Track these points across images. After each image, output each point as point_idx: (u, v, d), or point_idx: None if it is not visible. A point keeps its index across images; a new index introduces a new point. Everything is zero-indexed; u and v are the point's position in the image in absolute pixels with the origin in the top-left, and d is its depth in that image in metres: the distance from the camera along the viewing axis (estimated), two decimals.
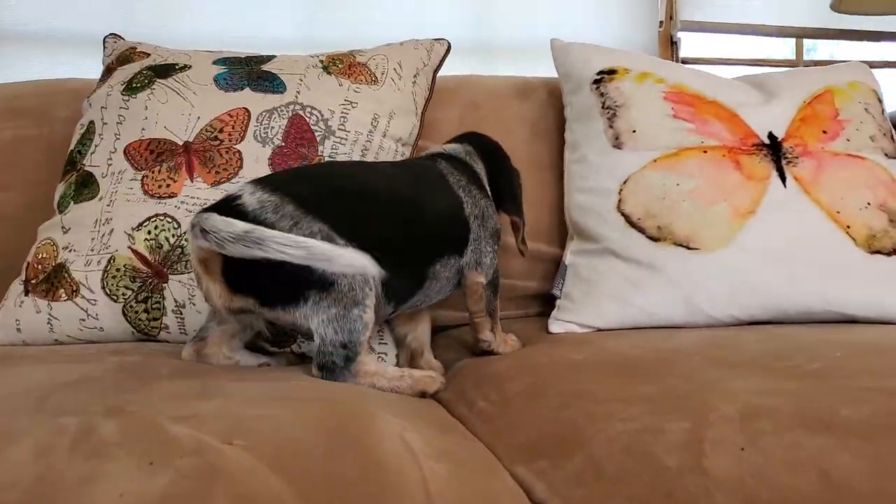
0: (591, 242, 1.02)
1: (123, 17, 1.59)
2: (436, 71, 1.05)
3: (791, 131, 1.02)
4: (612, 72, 1.10)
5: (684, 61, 1.77)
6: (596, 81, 1.10)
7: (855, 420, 0.50)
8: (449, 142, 0.97)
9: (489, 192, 0.90)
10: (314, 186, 0.73)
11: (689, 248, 0.94)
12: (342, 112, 0.96)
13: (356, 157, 0.95)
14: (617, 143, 1.04)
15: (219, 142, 0.95)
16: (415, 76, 1.01)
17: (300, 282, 0.67)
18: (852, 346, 0.74)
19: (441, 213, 0.81)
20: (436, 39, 1.05)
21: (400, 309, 0.80)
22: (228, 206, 0.69)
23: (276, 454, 0.46)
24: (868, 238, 0.94)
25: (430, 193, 0.82)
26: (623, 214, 1.00)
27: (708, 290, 0.92)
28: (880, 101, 1.10)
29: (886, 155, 1.02)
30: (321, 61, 1.01)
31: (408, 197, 0.79)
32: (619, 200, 1.01)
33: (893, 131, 1.07)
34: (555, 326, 0.97)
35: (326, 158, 0.94)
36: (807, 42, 1.90)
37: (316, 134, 0.95)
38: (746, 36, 1.82)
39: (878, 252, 0.93)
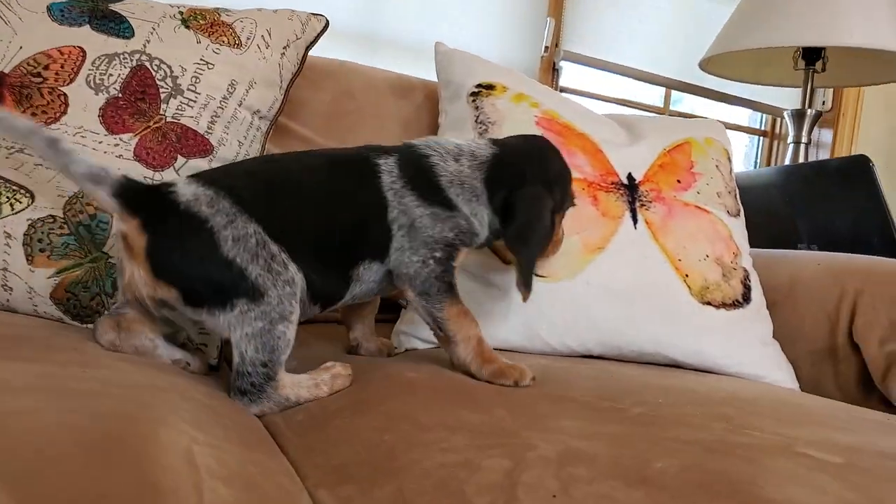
0: None
1: None
2: (309, 47, 0.97)
3: (649, 175, 1.05)
4: (490, 87, 1.08)
5: (563, 89, 1.81)
6: (473, 94, 1.08)
7: (668, 474, 0.50)
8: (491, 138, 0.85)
9: (451, 200, 0.77)
10: (249, 183, 0.70)
11: (536, 275, 0.93)
12: (195, 71, 0.86)
13: (203, 122, 0.85)
14: None
15: (41, 79, 0.82)
16: (284, 48, 0.93)
17: (230, 286, 0.64)
18: (675, 392, 0.76)
19: (358, 217, 0.74)
20: (314, 14, 0.98)
21: (327, 309, 0.75)
22: (159, 192, 0.66)
23: (15, 462, 0.37)
24: (702, 289, 0.98)
25: (352, 194, 0.74)
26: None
27: (549, 319, 0.92)
28: (729, 160, 1.17)
29: (728, 212, 1.08)
30: (181, 13, 0.91)
31: (331, 197, 0.73)
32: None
33: (737, 191, 1.14)
34: (397, 339, 0.92)
35: (169, 119, 0.84)
36: (675, 93, 2.01)
37: (161, 91, 0.84)
38: (622, 77, 1.89)
39: (709, 304, 0.98)
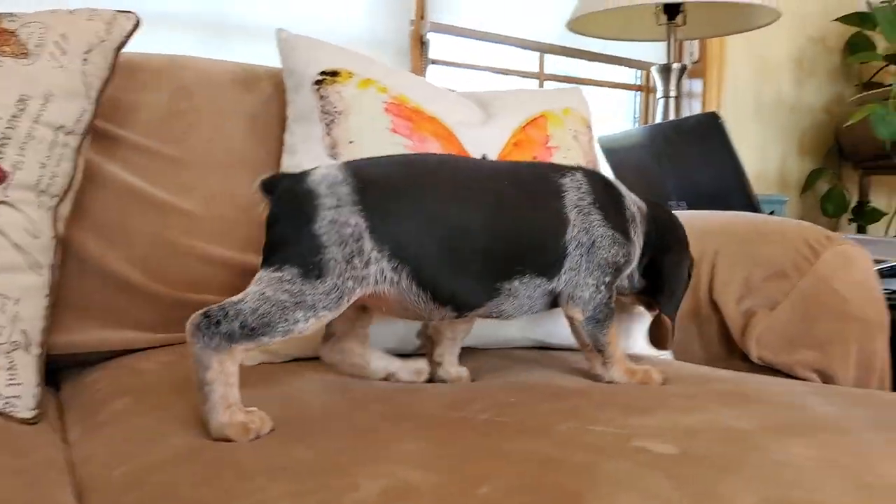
0: None
1: None
2: (119, 48, 0.88)
3: (504, 155, 1.02)
4: (335, 74, 1.02)
5: (434, 62, 1.76)
6: (318, 82, 1.02)
7: (491, 501, 0.47)
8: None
9: (629, 231, 0.79)
10: (386, 175, 0.70)
11: None
12: None
13: None
14: (333, 153, 0.97)
15: None
16: (87, 52, 0.83)
17: (295, 251, 0.65)
18: (529, 387, 0.75)
19: (529, 230, 0.73)
20: (120, 11, 0.89)
21: (465, 315, 0.75)
22: (303, 173, 0.69)
23: None
24: None
25: (522, 206, 0.73)
26: None
27: None
28: (589, 128, 1.16)
29: None
30: None
31: (485, 202, 0.72)
32: None
33: (598, 160, 1.13)
34: (248, 358, 0.87)
35: None
36: (551, 56, 1.99)
37: None
38: (496, 44, 1.86)
39: None
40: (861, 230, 2.25)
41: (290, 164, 1.01)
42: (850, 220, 2.27)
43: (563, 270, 0.75)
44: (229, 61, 1.18)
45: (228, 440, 0.60)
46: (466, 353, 0.87)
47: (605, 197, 0.78)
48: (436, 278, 0.69)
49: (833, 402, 0.70)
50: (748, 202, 1.11)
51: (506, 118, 1.06)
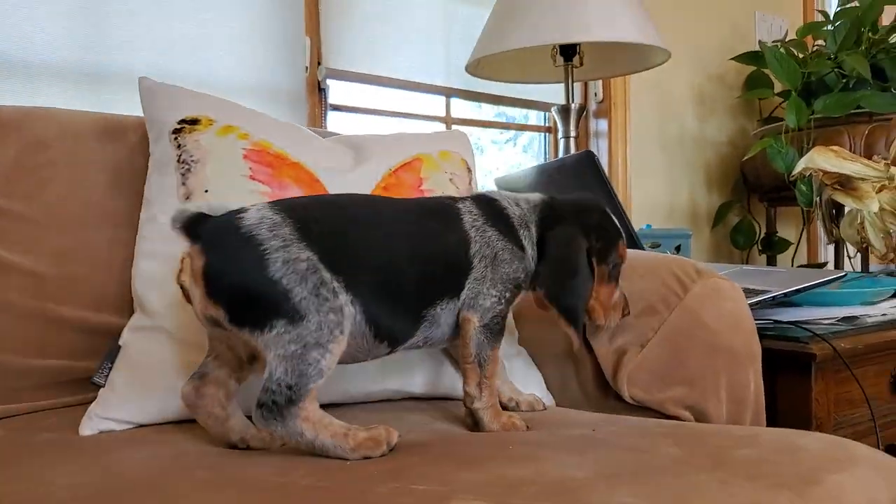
0: (148, 318, 0.88)
1: None
2: None
3: None
4: (195, 122, 0.99)
5: (335, 108, 1.75)
6: (176, 131, 0.98)
7: None
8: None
9: (521, 240, 0.81)
10: (319, 214, 0.72)
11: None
12: None
13: None
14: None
15: None
16: None
17: (271, 306, 0.66)
18: None
19: (441, 252, 0.76)
20: None
21: (397, 349, 0.76)
22: (230, 215, 0.70)
23: None
24: None
25: (433, 232, 0.77)
26: (181, 287, 0.87)
27: None
28: (469, 171, 1.14)
29: None
30: None
31: (407, 234, 0.75)
32: (181, 270, 0.89)
33: None
34: (86, 427, 0.80)
35: None
36: (461, 101, 2.00)
37: None
38: (399, 90, 1.86)
39: None
40: (771, 260, 2.30)
41: (145, 217, 0.96)
42: (761, 252, 2.32)
43: (467, 283, 0.76)
44: (94, 112, 1.13)
45: (369, 458, 0.65)
46: (341, 410, 0.83)
47: (493, 215, 0.81)
48: (378, 314, 0.71)
49: (682, 442, 0.68)
50: (628, 235, 1.11)
51: (376, 162, 1.04)
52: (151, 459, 0.68)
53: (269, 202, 0.73)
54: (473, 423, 0.78)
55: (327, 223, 0.71)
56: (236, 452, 0.71)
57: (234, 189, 0.93)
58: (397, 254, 0.73)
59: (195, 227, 0.69)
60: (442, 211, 0.80)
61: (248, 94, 1.64)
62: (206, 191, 0.93)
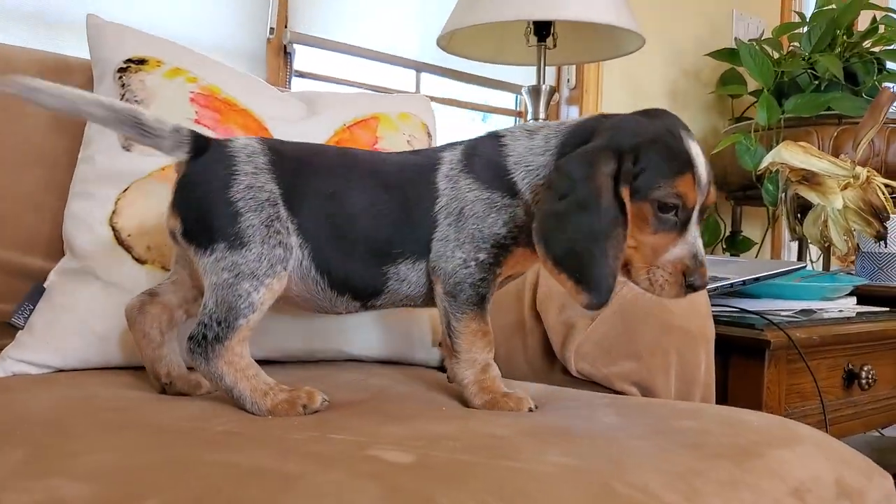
0: (76, 260, 0.83)
1: None
2: None
3: None
4: (142, 62, 0.93)
5: (300, 74, 1.69)
6: (121, 70, 0.93)
7: None
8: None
9: (513, 184, 0.66)
10: (297, 155, 0.71)
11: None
12: None
13: None
14: (127, 145, 0.88)
15: None
16: None
17: (218, 225, 0.64)
18: None
19: (399, 209, 0.69)
20: None
21: (371, 306, 0.72)
22: (217, 141, 0.70)
23: None
24: None
25: (399, 187, 0.70)
26: (113, 228, 0.83)
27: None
28: (429, 136, 1.11)
29: None
30: None
31: (373, 188, 0.70)
32: (114, 212, 0.84)
33: None
34: (2, 364, 0.75)
35: None
36: (433, 77, 1.96)
37: None
38: (370, 60, 1.81)
39: None
40: None
41: (83, 157, 0.91)
42: (724, 250, 2.32)
43: (432, 243, 0.69)
44: (38, 50, 1.08)
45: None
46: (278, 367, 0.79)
47: (481, 159, 0.69)
48: (329, 262, 0.68)
49: (623, 412, 0.66)
50: None
51: (330, 117, 1.00)
52: (59, 400, 0.64)
53: (261, 137, 0.73)
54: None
55: (301, 165, 0.70)
56: (154, 398, 0.67)
57: None
58: (356, 206, 0.69)
59: (198, 142, 0.68)
60: (422, 163, 0.72)
61: (206, 53, 1.58)
62: None
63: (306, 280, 0.69)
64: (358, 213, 0.69)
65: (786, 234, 2.33)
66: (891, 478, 0.64)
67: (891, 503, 0.61)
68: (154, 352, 0.71)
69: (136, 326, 0.72)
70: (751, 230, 2.37)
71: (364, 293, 0.71)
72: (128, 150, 0.87)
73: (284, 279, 0.66)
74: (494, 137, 0.71)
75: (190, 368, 0.70)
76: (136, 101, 0.91)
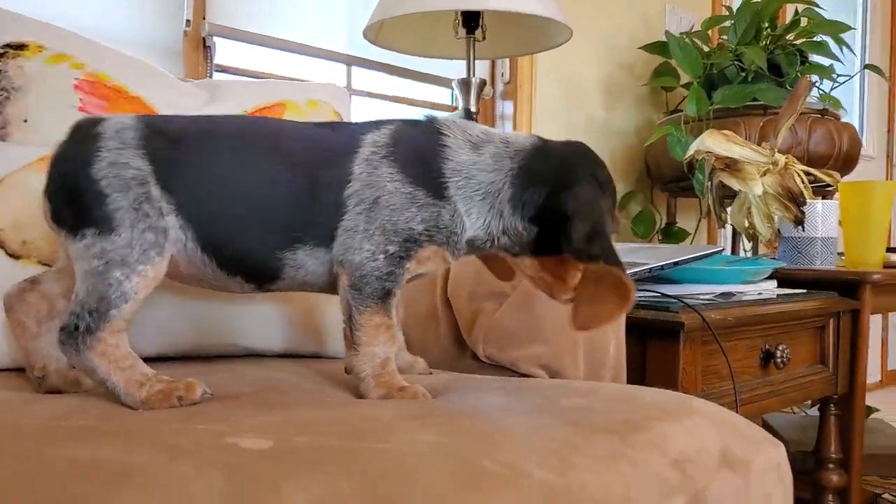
0: None
1: None
2: None
3: None
4: (21, 47, 0.88)
5: (221, 69, 1.65)
6: None
7: None
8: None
9: (443, 186, 0.65)
10: (177, 129, 0.66)
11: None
12: None
13: None
14: (3, 133, 0.83)
15: None
16: None
17: (84, 209, 0.61)
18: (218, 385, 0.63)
19: (300, 191, 0.65)
20: None
21: (268, 289, 0.69)
22: (89, 119, 0.67)
23: None
24: None
25: (302, 165, 0.65)
26: None
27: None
28: None
29: None
30: None
31: (270, 166, 0.65)
32: None
33: None
34: None
35: None
36: (364, 71, 1.93)
37: None
38: (298, 55, 1.77)
39: None
40: None
41: None
42: (660, 241, 2.35)
43: (338, 230, 0.64)
44: None
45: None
46: (171, 364, 0.75)
47: (411, 150, 0.65)
48: (217, 242, 0.65)
49: (514, 393, 0.64)
50: None
51: (231, 103, 0.96)
52: None
53: (144, 115, 0.68)
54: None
55: (183, 140, 0.65)
56: (20, 399, 0.63)
57: (59, 120, 0.82)
58: (249, 184, 0.64)
59: (77, 123, 0.66)
60: (337, 142, 0.67)
61: (119, 47, 1.53)
62: (25, 120, 0.84)
63: (194, 261, 0.65)
64: (251, 191, 0.64)
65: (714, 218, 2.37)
66: (783, 447, 0.63)
67: (780, 472, 0.61)
68: (29, 343, 0.67)
69: (12, 316, 0.68)
70: (686, 221, 2.41)
71: (257, 277, 0.67)
72: (3, 139, 0.83)
73: (162, 265, 0.62)
74: (434, 133, 0.67)
75: None
76: (12, 87, 0.86)
